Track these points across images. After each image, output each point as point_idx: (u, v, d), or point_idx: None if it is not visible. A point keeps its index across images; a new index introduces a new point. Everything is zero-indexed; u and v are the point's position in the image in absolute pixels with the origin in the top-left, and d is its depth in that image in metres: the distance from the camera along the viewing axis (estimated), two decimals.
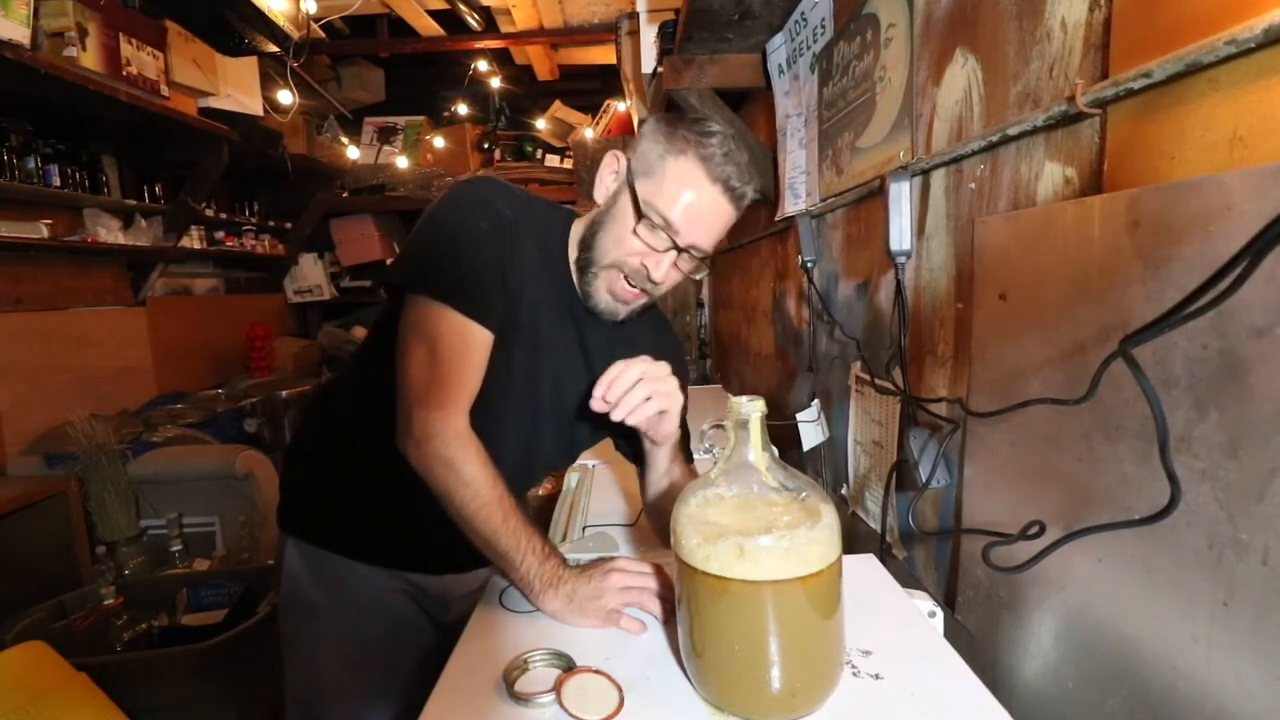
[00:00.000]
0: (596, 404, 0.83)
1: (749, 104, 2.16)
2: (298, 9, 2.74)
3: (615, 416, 0.83)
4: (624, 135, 3.86)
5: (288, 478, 1.08)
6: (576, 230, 0.96)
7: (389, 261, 4.82)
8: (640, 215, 0.85)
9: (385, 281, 0.93)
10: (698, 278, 0.94)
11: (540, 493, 1.82)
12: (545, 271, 0.94)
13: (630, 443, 1.10)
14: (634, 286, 0.89)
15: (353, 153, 4.50)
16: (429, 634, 1.05)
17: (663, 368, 0.86)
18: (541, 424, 0.99)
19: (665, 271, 0.87)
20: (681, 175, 0.84)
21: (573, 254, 0.95)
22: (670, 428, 0.93)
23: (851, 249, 1.36)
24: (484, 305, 0.86)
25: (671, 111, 2.02)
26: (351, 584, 0.99)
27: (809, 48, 1.49)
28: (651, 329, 1.08)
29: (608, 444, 1.14)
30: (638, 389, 0.83)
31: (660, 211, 0.84)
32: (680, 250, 0.86)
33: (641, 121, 0.89)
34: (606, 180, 0.92)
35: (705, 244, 0.87)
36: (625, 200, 0.87)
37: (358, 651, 1.00)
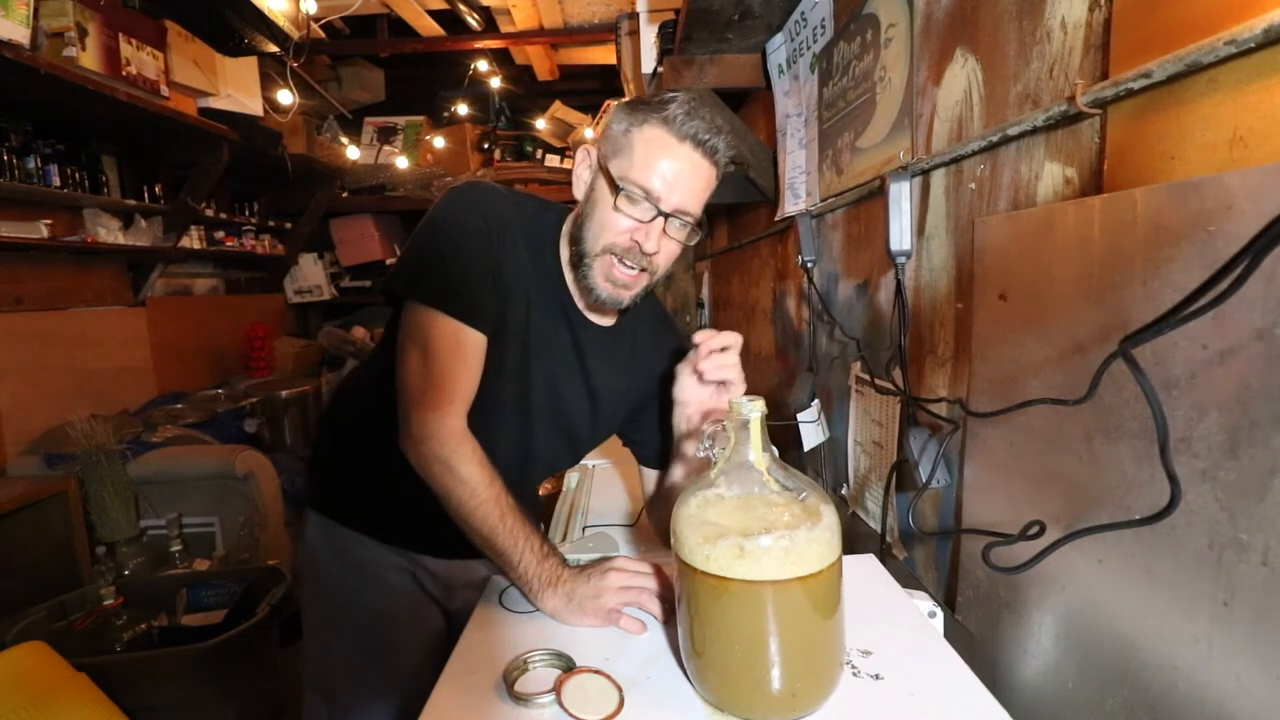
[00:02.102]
0: (699, 337, 0.90)
1: (749, 104, 2.16)
2: (298, 9, 2.74)
3: (702, 365, 0.89)
4: None
5: (314, 458, 1.12)
6: (566, 228, 0.96)
7: (388, 262, 4.84)
8: (618, 189, 0.85)
9: (383, 289, 0.94)
10: (693, 243, 0.94)
11: (540, 493, 1.82)
12: (537, 273, 0.94)
13: (640, 444, 1.11)
14: (631, 267, 0.88)
15: (353, 153, 4.50)
16: (435, 618, 1.07)
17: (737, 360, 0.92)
18: (535, 424, 0.99)
19: (656, 240, 0.86)
20: (649, 142, 0.84)
21: (564, 253, 0.95)
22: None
23: (851, 249, 1.36)
24: (475, 308, 0.87)
25: None
26: (363, 559, 1.03)
27: (809, 48, 1.49)
28: (651, 325, 1.08)
29: (608, 444, 1.15)
30: (731, 354, 0.90)
31: (636, 182, 0.84)
32: (666, 216, 0.86)
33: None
34: (582, 175, 0.93)
35: (690, 206, 0.87)
36: (601, 185, 0.87)
37: (366, 624, 1.03)
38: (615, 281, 0.89)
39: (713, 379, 0.91)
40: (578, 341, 0.98)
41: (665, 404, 1.06)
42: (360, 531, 1.03)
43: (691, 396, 0.95)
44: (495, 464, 0.87)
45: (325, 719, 1.02)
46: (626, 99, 0.90)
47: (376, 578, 1.03)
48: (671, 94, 0.85)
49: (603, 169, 0.87)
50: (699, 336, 0.90)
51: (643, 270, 0.89)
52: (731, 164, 0.98)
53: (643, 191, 0.84)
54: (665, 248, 0.89)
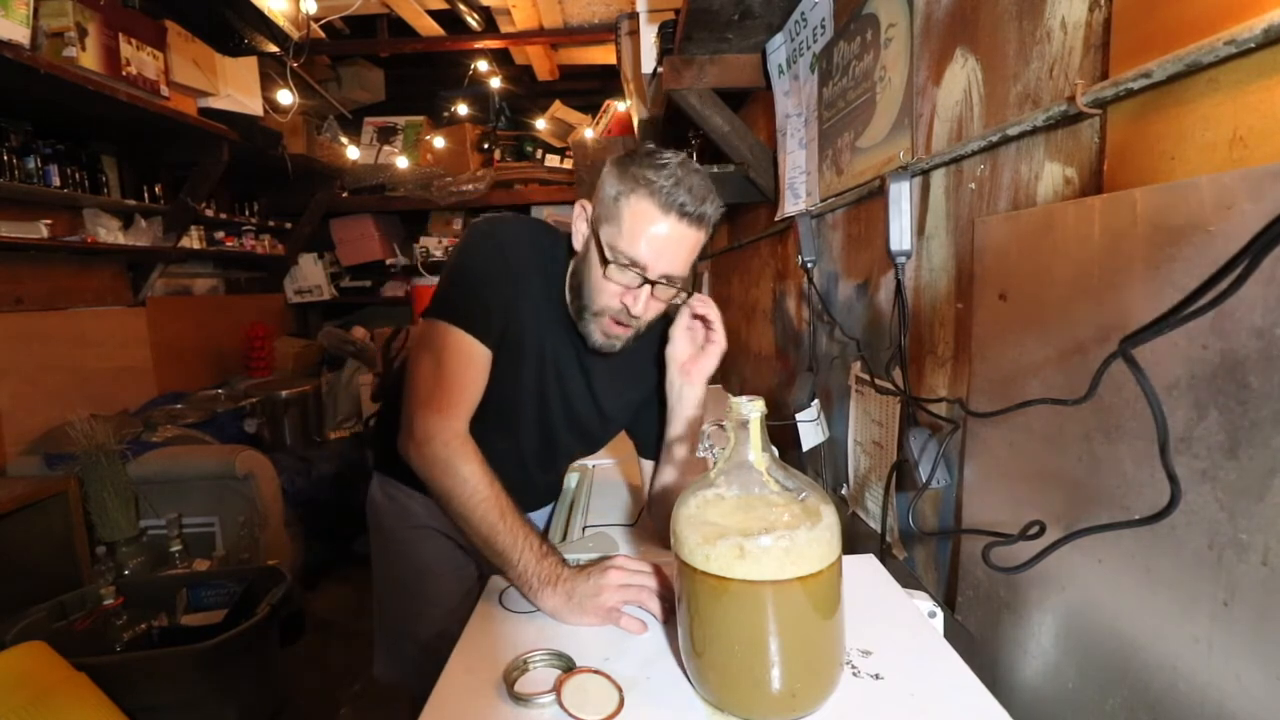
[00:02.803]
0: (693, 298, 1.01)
1: (749, 104, 2.16)
2: (298, 9, 2.74)
3: (691, 300, 1.01)
4: (623, 135, 3.86)
5: (376, 431, 1.27)
6: (569, 275, 1.02)
7: (388, 262, 4.83)
8: (606, 260, 0.90)
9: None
10: (679, 302, 1.03)
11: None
12: (548, 305, 1.02)
13: (640, 436, 1.19)
14: (621, 324, 0.96)
15: (353, 153, 4.50)
16: (469, 568, 1.19)
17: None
18: (555, 430, 1.09)
19: (644, 304, 0.92)
20: (636, 214, 0.89)
21: (568, 295, 1.02)
22: (710, 365, 1.04)
23: (851, 249, 1.36)
24: (483, 325, 0.94)
25: (670, 113, 2.03)
26: (415, 512, 1.17)
27: (809, 48, 1.49)
28: (651, 340, 1.11)
29: (610, 442, 1.19)
30: (711, 305, 1.02)
31: (624, 252, 0.89)
32: (653, 283, 0.91)
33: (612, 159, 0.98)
34: (580, 229, 0.98)
35: (676, 270, 0.92)
36: (594, 248, 0.93)
37: (415, 565, 1.18)
38: (608, 334, 0.97)
39: (699, 312, 1.02)
40: (584, 365, 1.07)
41: (663, 402, 1.11)
42: (413, 488, 1.14)
43: (680, 351, 1.05)
44: (524, 456, 1.02)
45: (384, 642, 1.21)
46: (620, 155, 0.94)
47: (421, 528, 1.17)
48: (664, 159, 0.89)
49: (595, 233, 0.93)
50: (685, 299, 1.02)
51: (629, 325, 0.96)
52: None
53: (629, 260, 0.89)
54: (651, 308, 0.95)
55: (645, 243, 0.88)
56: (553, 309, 1.02)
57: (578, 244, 0.98)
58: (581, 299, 0.97)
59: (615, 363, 1.07)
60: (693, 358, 1.04)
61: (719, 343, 1.03)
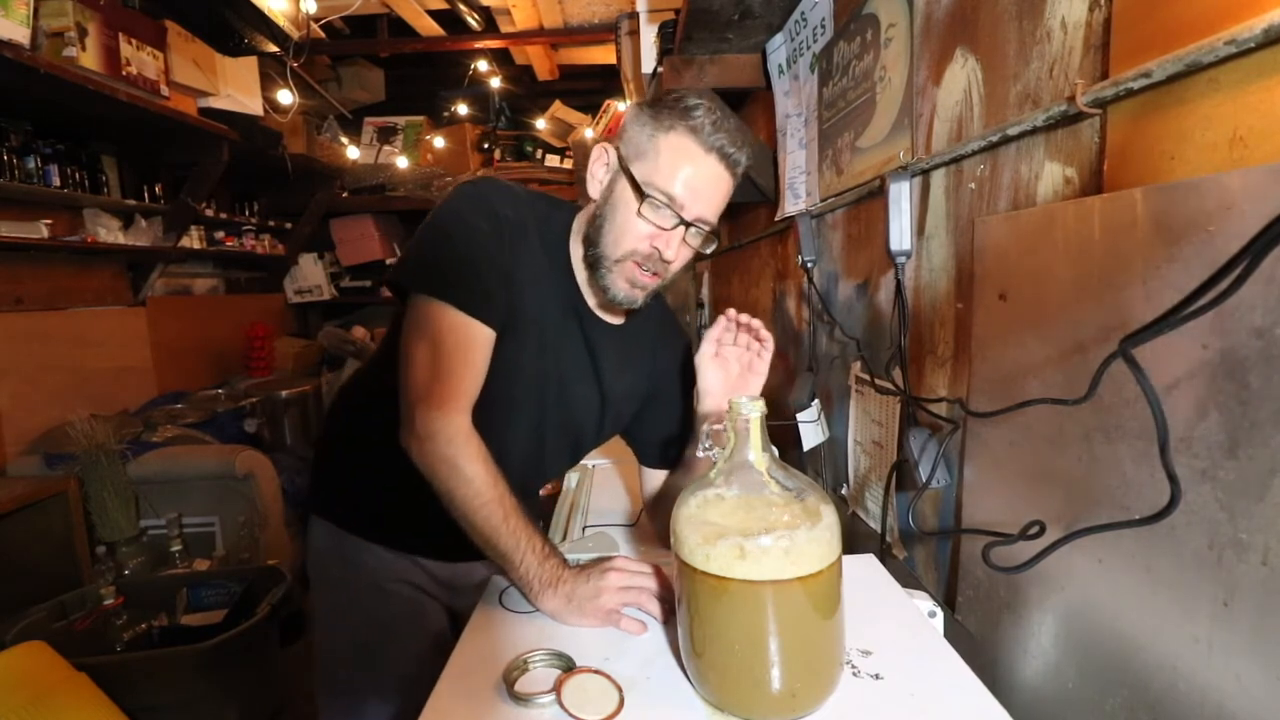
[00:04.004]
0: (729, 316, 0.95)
1: (749, 104, 2.16)
2: (298, 9, 2.74)
3: (741, 317, 0.94)
4: None
5: (316, 462, 1.11)
6: (578, 226, 0.95)
7: (388, 261, 4.84)
8: (643, 196, 0.84)
9: (388, 281, 0.94)
10: (708, 252, 0.94)
11: (541, 493, 1.82)
12: (549, 271, 0.94)
13: (642, 442, 1.12)
14: (648, 271, 0.89)
15: (353, 153, 4.50)
16: (440, 618, 1.07)
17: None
18: (545, 426, 0.99)
19: (676, 248, 0.87)
20: (675, 150, 0.84)
21: (576, 252, 0.94)
22: (755, 388, 0.97)
23: (851, 249, 1.36)
24: (485, 303, 0.86)
25: None
26: (368, 564, 1.02)
27: (809, 48, 1.49)
28: (658, 324, 1.08)
29: (608, 443, 1.15)
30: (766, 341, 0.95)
31: (661, 189, 0.84)
32: (688, 225, 0.86)
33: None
34: (598, 174, 0.92)
35: (710, 215, 0.88)
36: (623, 187, 0.87)
37: (375, 626, 1.02)
38: (634, 283, 0.90)
39: (761, 334, 0.95)
40: (589, 340, 0.98)
41: (670, 402, 1.07)
42: (364, 538, 1.02)
43: (713, 384, 0.97)
44: (510, 461, 0.87)
45: (334, 714, 1.02)
46: (645, 99, 0.90)
47: (380, 585, 1.02)
48: (695, 100, 0.85)
49: (625, 171, 0.87)
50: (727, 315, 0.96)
51: (656, 274, 0.90)
52: None
53: (666, 198, 0.84)
54: (682, 254, 0.89)
55: (684, 180, 0.84)
56: (554, 276, 0.94)
57: (594, 191, 0.91)
58: (600, 247, 0.89)
59: (624, 341, 1.01)
60: (732, 388, 0.97)
61: (767, 358, 0.95)
